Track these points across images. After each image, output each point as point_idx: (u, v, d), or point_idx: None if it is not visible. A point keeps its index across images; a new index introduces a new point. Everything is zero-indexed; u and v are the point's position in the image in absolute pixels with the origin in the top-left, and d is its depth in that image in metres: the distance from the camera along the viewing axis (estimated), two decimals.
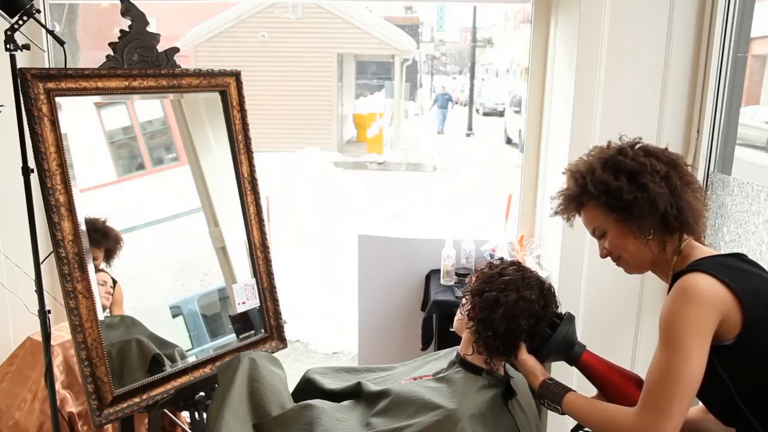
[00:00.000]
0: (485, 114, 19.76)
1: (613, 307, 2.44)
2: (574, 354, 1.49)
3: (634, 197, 1.31)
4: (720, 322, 1.21)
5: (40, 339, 1.89)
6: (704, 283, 1.22)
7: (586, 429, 1.48)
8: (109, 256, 1.94)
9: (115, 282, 1.96)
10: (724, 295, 1.21)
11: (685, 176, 1.35)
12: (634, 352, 2.47)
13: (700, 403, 1.43)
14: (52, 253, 1.69)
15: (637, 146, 1.38)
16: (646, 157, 1.34)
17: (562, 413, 1.41)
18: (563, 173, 1.46)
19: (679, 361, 1.20)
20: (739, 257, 1.33)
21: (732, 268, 1.26)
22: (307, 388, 1.76)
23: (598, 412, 1.34)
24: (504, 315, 1.49)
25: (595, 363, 1.49)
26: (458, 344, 1.65)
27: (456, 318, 1.67)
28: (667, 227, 1.32)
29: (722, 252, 1.38)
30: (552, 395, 1.43)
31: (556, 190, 1.48)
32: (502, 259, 1.65)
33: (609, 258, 1.43)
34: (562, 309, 1.58)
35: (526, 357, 1.50)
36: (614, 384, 1.46)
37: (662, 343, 1.24)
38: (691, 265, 1.28)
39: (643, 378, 1.43)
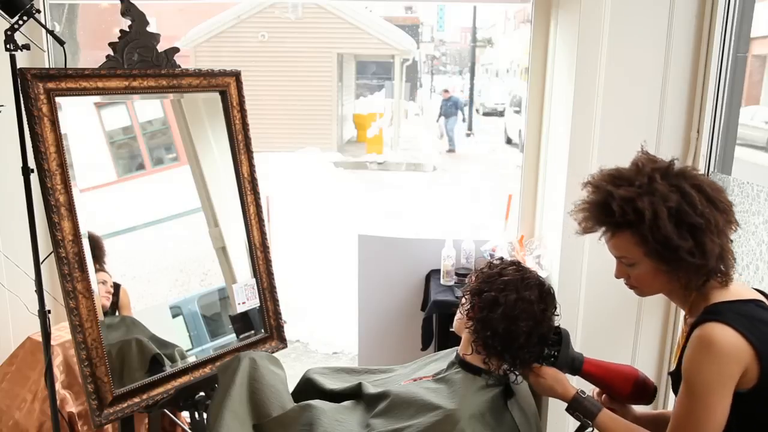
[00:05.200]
0: (485, 114, 19.76)
1: (613, 307, 2.44)
2: (576, 368, 1.56)
3: (690, 254, 1.24)
4: (740, 374, 1.23)
5: (40, 339, 1.89)
6: (727, 338, 1.22)
7: (589, 430, 1.49)
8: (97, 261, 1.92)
9: (119, 285, 1.95)
10: (745, 349, 1.22)
11: (731, 223, 1.29)
12: (634, 352, 2.47)
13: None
14: (52, 253, 1.69)
15: (695, 182, 1.27)
16: (709, 206, 1.25)
17: (591, 428, 1.46)
18: (588, 187, 1.34)
19: (702, 412, 1.23)
20: (757, 303, 1.30)
21: (752, 319, 1.26)
22: (307, 389, 1.76)
23: None
24: (503, 315, 1.49)
25: (594, 371, 1.56)
26: (458, 344, 1.65)
27: (455, 318, 1.67)
28: (704, 275, 1.28)
29: (740, 297, 1.30)
30: (585, 411, 1.45)
31: (575, 200, 1.38)
32: (501, 258, 1.65)
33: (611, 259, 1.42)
34: (561, 311, 1.59)
35: (547, 369, 1.53)
36: (613, 387, 1.55)
37: (685, 390, 1.26)
38: (711, 312, 1.27)
39: (638, 371, 1.54)
